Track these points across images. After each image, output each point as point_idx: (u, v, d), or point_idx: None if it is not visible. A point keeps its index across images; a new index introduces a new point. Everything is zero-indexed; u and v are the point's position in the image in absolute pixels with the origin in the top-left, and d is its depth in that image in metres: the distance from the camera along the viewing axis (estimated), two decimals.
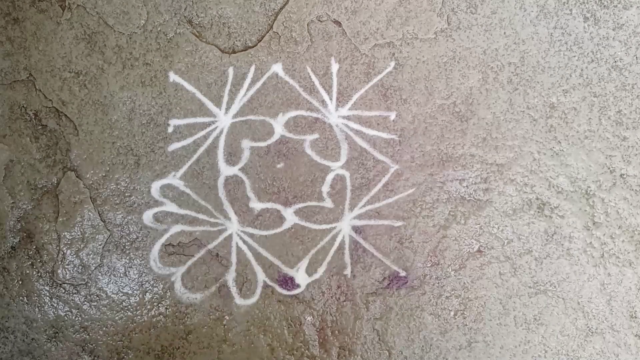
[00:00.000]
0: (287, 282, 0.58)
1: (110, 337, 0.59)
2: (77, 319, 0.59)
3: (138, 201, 0.58)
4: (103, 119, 0.58)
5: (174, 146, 0.58)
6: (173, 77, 0.58)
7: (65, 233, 0.59)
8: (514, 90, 0.57)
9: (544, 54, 0.57)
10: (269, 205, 0.58)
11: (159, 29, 0.57)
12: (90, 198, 0.58)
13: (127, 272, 0.59)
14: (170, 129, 0.58)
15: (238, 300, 0.59)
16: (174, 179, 0.58)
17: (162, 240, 0.59)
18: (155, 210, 0.58)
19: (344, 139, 0.58)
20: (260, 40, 0.57)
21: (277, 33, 0.57)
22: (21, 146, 0.58)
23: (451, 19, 0.57)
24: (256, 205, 0.58)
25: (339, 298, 0.59)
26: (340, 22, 0.57)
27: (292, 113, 0.58)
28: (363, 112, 0.58)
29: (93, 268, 0.59)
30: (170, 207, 0.58)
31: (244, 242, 0.58)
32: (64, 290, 0.59)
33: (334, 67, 0.57)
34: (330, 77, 0.57)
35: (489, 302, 0.58)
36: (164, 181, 0.58)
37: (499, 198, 0.58)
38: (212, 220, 0.58)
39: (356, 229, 0.58)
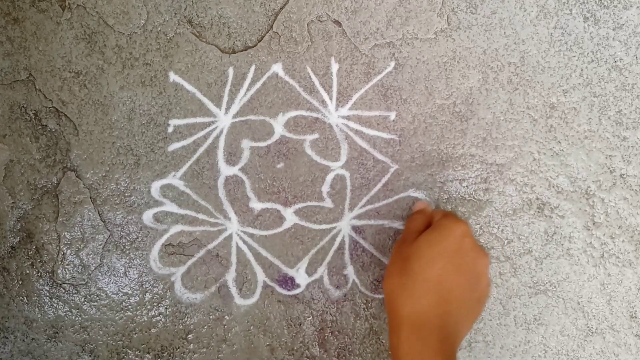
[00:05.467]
0: (287, 282, 0.58)
1: (110, 337, 0.59)
2: (77, 319, 0.59)
3: (138, 201, 0.58)
4: (103, 119, 0.58)
5: (174, 146, 0.58)
6: (173, 77, 0.57)
7: (65, 233, 0.59)
8: (514, 90, 0.57)
9: (544, 54, 0.57)
10: (269, 205, 0.58)
11: (159, 29, 0.57)
12: (90, 198, 0.58)
13: (127, 272, 0.59)
14: (170, 129, 0.58)
15: (238, 300, 0.59)
16: (174, 179, 0.58)
17: (162, 240, 0.58)
18: (155, 210, 0.58)
19: (344, 139, 0.58)
20: (260, 40, 0.57)
21: (277, 33, 0.57)
22: (21, 146, 0.58)
23: (451, 19, 0.57)
24: (256, 205, 0.58)
25: (339, 298, 0.59)
26: (340, 22, 0.57)
27: (292, 113, 0.58)
28: (363, 112, 0.58)
29: (93, 268, 0.59)
30: (170, 207, 0.58)
31: (244, 242, 0.58)
32: (64, 290, 0.59)
33: (334, 67, 0.57)
34: (330, 77, 0.57)
35: (489, 302, 0.58)
36: (164, 181, 0.58)
37: (499, 198, 0.58)
38: (212, 220, 0.58)
39: (356, 229, 0.58)
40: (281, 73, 0.57)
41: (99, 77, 0.58)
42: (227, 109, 0.58)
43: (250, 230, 0.58)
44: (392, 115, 0.58)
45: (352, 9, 0.57)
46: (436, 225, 0.46)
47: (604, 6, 0.56)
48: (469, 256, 0.45)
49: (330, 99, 0.58)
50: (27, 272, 0.59)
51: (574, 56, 0.57)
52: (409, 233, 0.48)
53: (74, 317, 0.59)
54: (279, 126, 0.58)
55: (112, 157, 0.58)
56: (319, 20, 0.57)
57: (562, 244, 0.58)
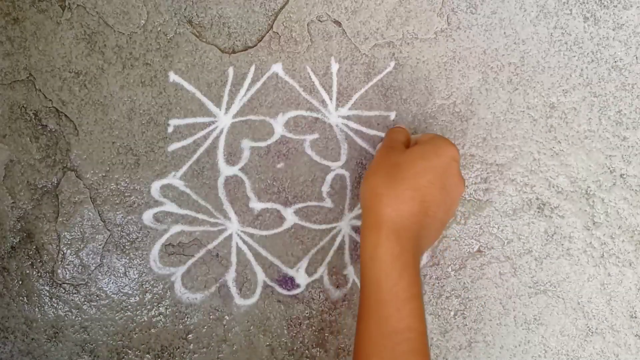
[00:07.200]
0: (287, 282, 0.58)
1: (110, 337, 0.59)
2: (77, 319, 0.59)
3: (138, 201, 0.58)
4: (103, 119, 0.58)
5: (174, 146, 0.58)
6: (173, 77, 0.57)
7: (65, 233, 0.59)
8: (514, 90, 0.57)
9: (544, 54, 0.57)
10: (269, 205, 0.58)
11: (159, 29, 0.57)
12: (90, 198, 0.58)
13: (127, 272, 0.59)
14: (170, 129, 0.58)
15: (238, 300, 0.59)
16: (174, 179, 0.58)
17: (162, 240, 0.59)
18: (155, 210, 0.58)
19: (344, 139, 0.58)
20: (260, 40, 0.57)
21: (277, 33, 0.57)
22: (21, 146, 0.58)
23: (451, 19, 0.57)
24: (256, 205, 0.58)
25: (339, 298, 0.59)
26: (340, 22, 0.57)
27: (292, 113, 0.58)
28: (363, 112, 0.58)
29: (93, 268, 0.59)
30: (170, 207, 0.58)
31: (244, 242, 0.58)
32: (64, 290, 0.59)
33: (334, 67, 0.57)
34: (330, 77, 0.57)
35: (489, 302, 0.58)
36: (164, 181, 0.58)
37: (499, 198, 0.58)
38: (212, 220, 0.58)
39: (356, 229, 0.58)
40: (281, 73, 0.58)
41: (99, 77, 0.58)
42: (227, 109, 0.58)
43: (250, 230, 0.58)
44: (392, 115, 0.58)
45: (352, 9, 0.57)
46: (431, 141, 0.47)
47: (604, 6, 0.56)
48: (452, 179, 0.45)
49: (330, 99, 0.58)
50: (27, 272, 0.59)
51: (574, 56, 0.57)
52: (395, 141, 0.49)
53: (74, 317, 0.59)
54: (279, 126, 0.58)
55: (112, 157, 0.58)
56: (319, 20, 0.57)
57: (562, 244, 0.58)
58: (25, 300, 0.59)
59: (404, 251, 0.42)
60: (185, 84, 0.58)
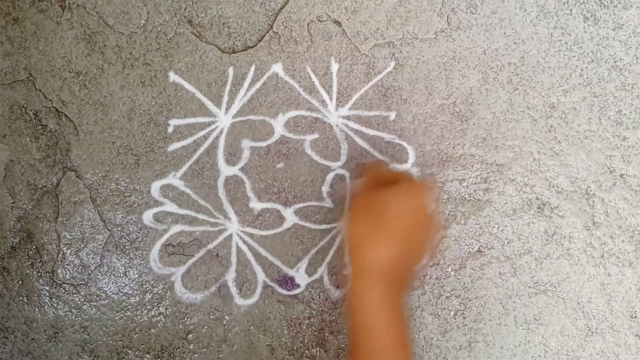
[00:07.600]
0: (287, 282, 0.58)
1: (110, 337, 0.59)
2: (77, 319, 0.59)
3: (138, 201, 0.58)
4: (103, 119, 0.58)
5: (174, 146, 0.58)
6: (173, 77, 0.57)
7: (65, 233, 0.59)
8: (514, 90, 0.57)
9: (544, 54, 0.57)
10: (269, 205, 0.58)
11: (159, 29, 0.57)
12: (90, 198, 0.58)
13: (127, 272, 0.59)
14: (170, 129, 0.58)
15: (238, 300, 0.59)
16: (174, 179, 0.58)
17: (162, 240, 0.58)
18: (155, 210, 0.58)
19: (344, 139, 0.58)
20: (260, 40, 0.57)
21: (277, 33, 0.57)
22: (21, 146, 0.58)
23: (451, 19, 0.57)
24: (256, 205, 0.58)
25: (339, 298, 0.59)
26: (340, 22, 0.57)
27: (292, 113, 0.58)
28: (363, 112, 0.58)
29: (93, 268, 0.59)
30: (170, 207, 0.58)
31: (244, 242, 0.58)
32: (64, 290, 0.59)
33: (334, 67, 0.57)
34: (330, 77, 0.57)
35: (489, 302, 0.58)
36: (164, 181, 0.58)
37: (499, 198, 0.58)
38: (212, 220, 0.58)
39: None
40: (281, 73, 0.58)
41: (99, 77, 0.58)
42: (227, 109, 0.58)
43: (250, 230, 0.58)
44: (392, 115, 0.58)
45: (352, 9, 0.57)
46: (402, 183, 0.47)
47: (604, 6, 0.56)
48: (426, 219, 0.46)
49: (330, 99, 0.58)
50: (27, 272, 0.59)
51: (574, 56, 0.57)
52: (371, 181, 0.49)
53: (74, 317, 0.59)
54: (279, 126, 0.58)
55: (112, 157, 0.58)
56: (319, 20, 0.57)
57: (562, 244, 0.58)
58: (25, 300, 0.59)
59: (394, 296, 0.42)
60: (185, 84, 0.58)
